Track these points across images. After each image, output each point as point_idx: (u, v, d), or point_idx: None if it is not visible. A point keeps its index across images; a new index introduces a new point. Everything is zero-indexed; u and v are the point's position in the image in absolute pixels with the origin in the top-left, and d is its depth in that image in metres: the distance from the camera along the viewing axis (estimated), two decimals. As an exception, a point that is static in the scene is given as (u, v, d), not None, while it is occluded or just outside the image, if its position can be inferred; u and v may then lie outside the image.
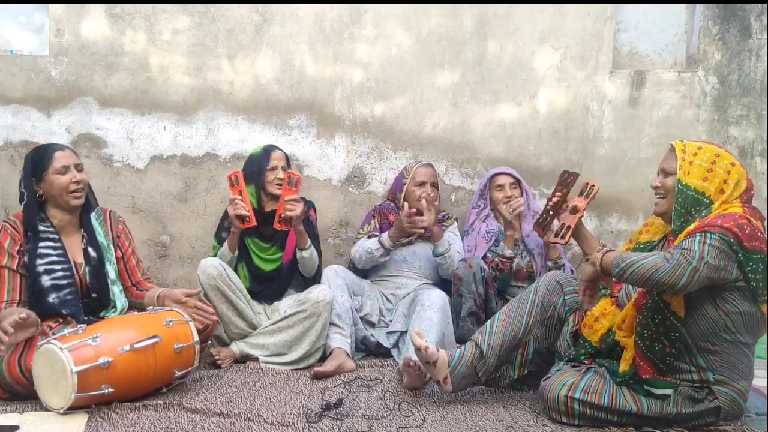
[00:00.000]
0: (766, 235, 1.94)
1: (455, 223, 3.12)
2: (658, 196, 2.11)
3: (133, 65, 3.22)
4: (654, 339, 1.98)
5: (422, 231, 2.80)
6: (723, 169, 1.98)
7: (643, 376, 1.98)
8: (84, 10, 3.17)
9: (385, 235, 2.86)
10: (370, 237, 2.97)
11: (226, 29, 3.22)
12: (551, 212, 2.26)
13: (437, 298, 2.68)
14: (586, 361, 2.15)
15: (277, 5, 3.21)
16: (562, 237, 2.17)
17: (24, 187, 2.32)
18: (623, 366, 2.03)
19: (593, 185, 2.22)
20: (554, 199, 2.25)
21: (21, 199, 2.34)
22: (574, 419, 2.04)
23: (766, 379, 2.50)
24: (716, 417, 2.01)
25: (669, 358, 1.97)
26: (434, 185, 3.03)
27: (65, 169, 2.32)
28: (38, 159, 2.34)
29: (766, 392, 2.38)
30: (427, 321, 2.58)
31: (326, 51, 3.25)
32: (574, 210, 2.19)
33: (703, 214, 1.98)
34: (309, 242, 2.77)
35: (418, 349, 2.19)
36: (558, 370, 2.15)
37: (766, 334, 2.10)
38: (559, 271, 2.43)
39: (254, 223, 2.68)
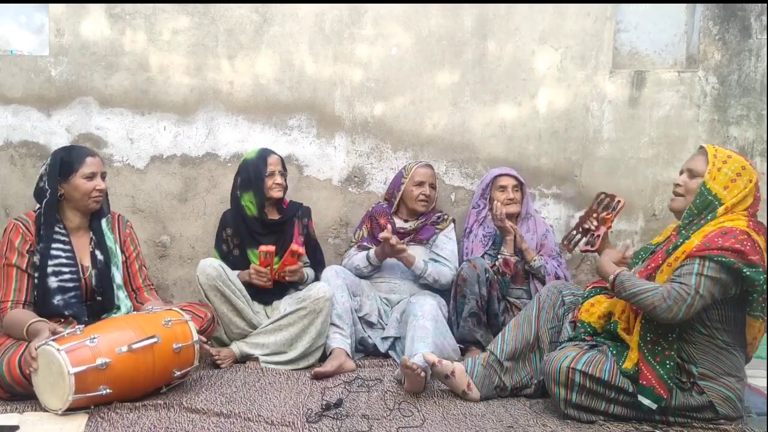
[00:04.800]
0: (766, 251, 1.95)
1: (452, 225, 3.08)
2: (676, 193, 2.14)
3: (133, 65, 3.22)
4: (653, 339, 2.01)
5: (403, 252, 2.84)
6: (743, 183, 2.03)
7: (642, 382, 2.00)
8: (84, 10, 3.18)
9: (372, 253, 2.91)
10: (359, 246, 3.01)
11: (226, 29, 3.22)
12: (582, 232, 2.34)
13: (429, 307, 2.66)
14: (586, 338, 2.20)
15: (277, 5, 3.21)
16: (592, 245, 2.28)
17: (49, 184, 2.31)
18: (627, 364, 2.04)
19: (619, 200, 2.30)
20: (601, 226, 2.30)
21: (40, 196, 2.33)
22: (572, 392, 2.06)
23: (766, 379, 2.50)
24: (714, 413, 2.02)
25: (658, 349, 1.99)
26: (432, 186, 3.04)
27: (93, 175, 2.34)
28: (68, 160, 2.34)
29: (766, 392, 2.38)
30: (422, 330, 2.54)
31: (326, 51, 3.25)
32: (603, 221, 2.29)
33: (708, 218, 2.02)
34: (305, 276, 2.86)
35: (432, 365, 2.23)
36: (561, 348, 2.19)
37: (765, 335, 2.10)
38: (558, 281, 2.58)
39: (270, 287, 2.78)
